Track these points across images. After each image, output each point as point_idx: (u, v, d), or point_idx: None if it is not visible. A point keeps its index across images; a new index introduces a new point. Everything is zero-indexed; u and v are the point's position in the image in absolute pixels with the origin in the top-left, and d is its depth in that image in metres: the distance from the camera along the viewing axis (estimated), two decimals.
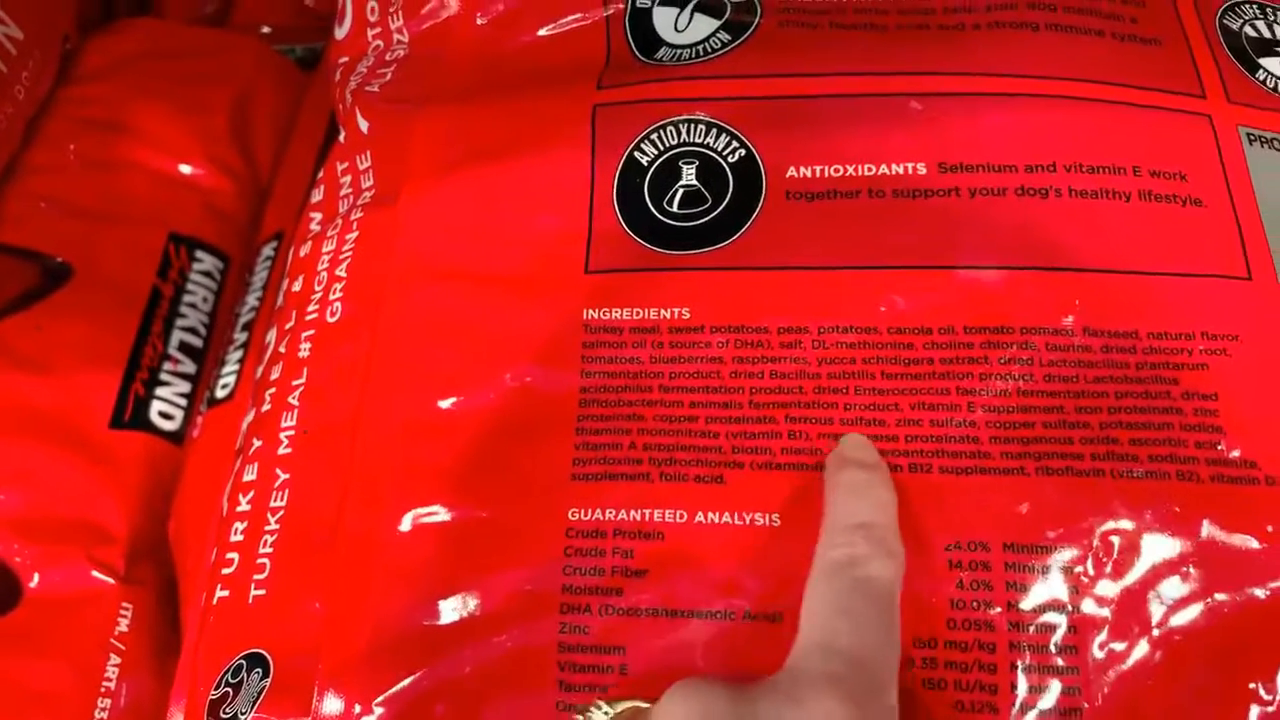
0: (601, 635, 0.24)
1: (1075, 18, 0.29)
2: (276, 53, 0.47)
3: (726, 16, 0.30)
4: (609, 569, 0.24)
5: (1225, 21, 0.30)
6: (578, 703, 0.23)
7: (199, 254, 0.41)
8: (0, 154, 0.39)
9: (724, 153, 0.28)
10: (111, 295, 0.38)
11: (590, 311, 0.27)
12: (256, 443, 0.29)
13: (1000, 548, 0.24)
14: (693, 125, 0.28)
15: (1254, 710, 0.23)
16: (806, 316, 0.26)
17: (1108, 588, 0.23)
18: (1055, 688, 0.23)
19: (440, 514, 0.25)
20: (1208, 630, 0.23)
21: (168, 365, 0.38)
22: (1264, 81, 0.29)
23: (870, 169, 0.27)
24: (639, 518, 0.25)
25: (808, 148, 0.27)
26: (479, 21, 0.32)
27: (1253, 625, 0.23)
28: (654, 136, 0.28)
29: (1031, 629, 0.23)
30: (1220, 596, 0.23)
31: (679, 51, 0.30)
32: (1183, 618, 0.23)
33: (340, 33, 0.35)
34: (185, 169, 0.42)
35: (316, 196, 0.34)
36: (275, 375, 0.30)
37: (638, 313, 0.26)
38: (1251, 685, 0.23)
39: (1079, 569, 0.23)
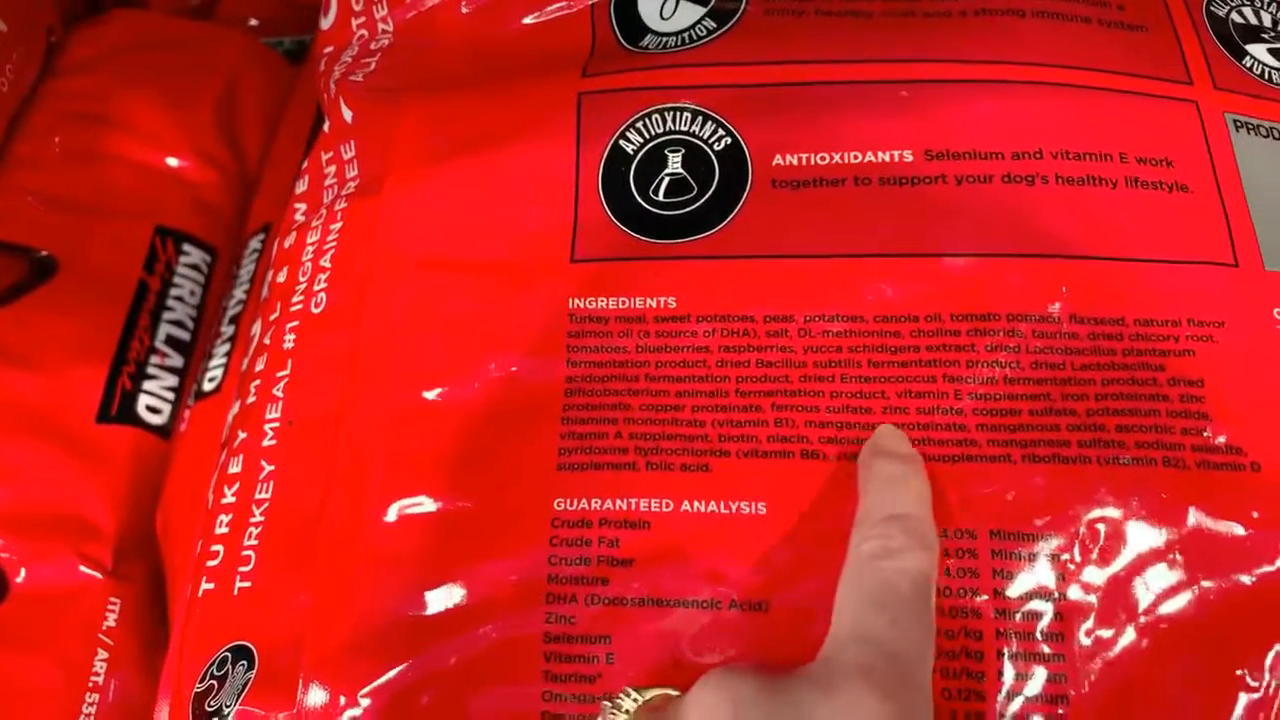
0: (588, 625, 0.24)
1: (1062, 4, 0.29)
2: (263, 45, 0.47)
3: (712, 4, 0.30)
4: (595, 559, 0.24)
5: (1212, 8, 0.30)
6: (562, 692, 0.23)
7: (186, 247, 0.41)
8: None
9: (710, 141, 0.28)
10: (98, 289, 0.38)
11: (576, 301, 0.27)
12: (241, 435, 0.29)
13: (987, 535, 0.24)
14: (678, 113, 0.28)
15: (1240, 696, 0.23)
16: (793, 305, 0.26)
17: (1094, 575, 0.23)
18: (1041, 675, 0.23)
19: (425, 504, 0.25)
20: (1194, 617, 0.23)
21: (155, 359, 0.38)
22: (1250, 68, 0.29)
23: (856, 156, 0.27)
24: (625, 507, 0.24)
25: (794, 136, 0.27)
26: (463, 10, 0.32)
27: (1239, 611, 0.23)
28: (639, 125, 0.28)
29: (1018, 616, 0.23)
30: (1206, 583, 0.23)
31: (664, 39, 0.30)
32: (1169, 605, 0.23)
33: (325, 22, 0.35)
34: (172, 162, 0.42)
35: (301, 187, 0.33)
36: (260, 367, 0.30)
37: (623, 302, 0.26)
38: (1238, 671, 0.23)
39: (1065, 556, 0.23)
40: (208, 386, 0.37)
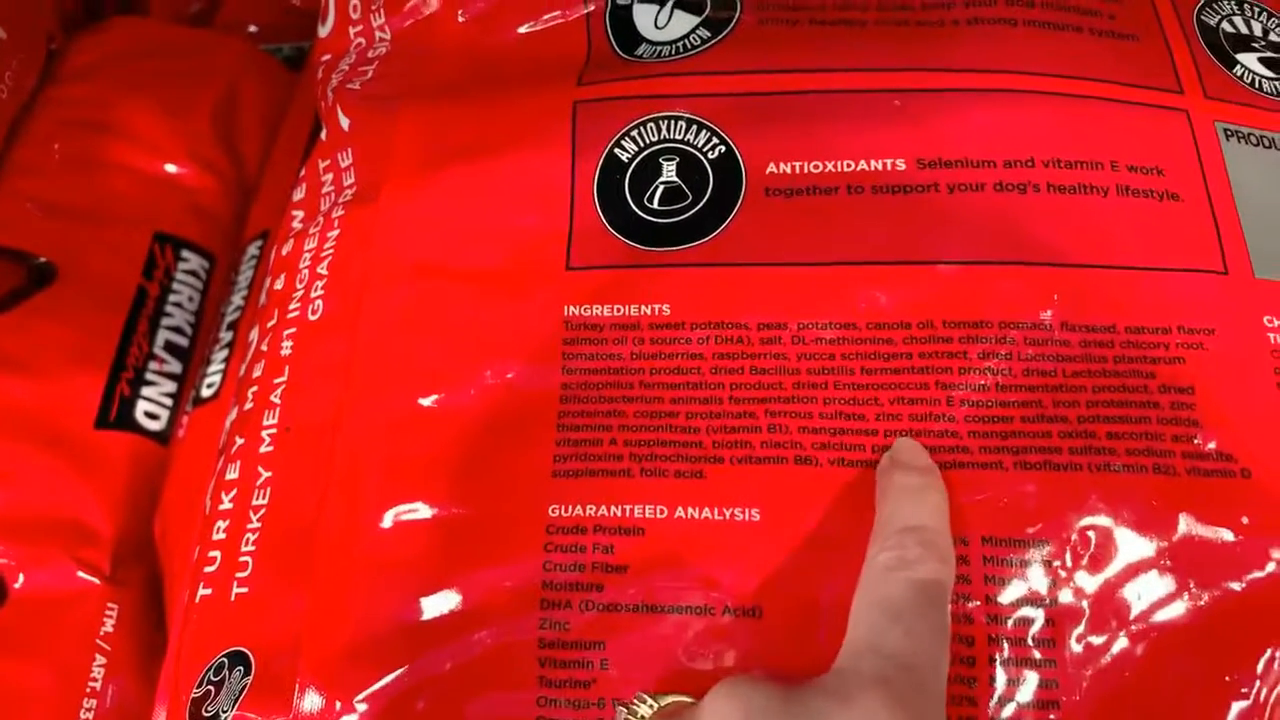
0: (582, 631, 0.24)
1: (1054, 14, 0.29)
2: (262, 52, 0.47)
3: (706, 13, 0.30)
4: (589, 565, 0.24)
5: (1203, 17, 0.30)
6: (556, 698, 0.23)
7: (185, 253, 0.41)
8: None
9: (704, 149, 0.28)
10: (97, 295, 0.38)
11: (571, 308, 0.27)
12: (239, 441, 0.29)
13: (979, 541, 0.24)
14: (673, 122, 0.28)
15: (1232, 703, 0.23)
16: (786, 312, 0.26)
17: (1085, 581, 0.23)
18: (1033, 681, 0.23)
19: (421, 511, 0.25)
20: (1185, 623, 0.23)
21: (153, 365, 0.38)
22: (1241, 77, 0.29)
23: (849, 165, 0.27)
24: (619, 514, 0.25)
25: (787, 144, 0.28)
26: (460, 19, 0.32)
27: (1230, 617, 0.23)
28: (634, 133, 0.28)
29: (1009, 622, 0.23)
30: (1197, 589, 0.23)
31: (659, 48, 0.30)
32: (1160, 611, 0.23)
33: (323, 30, 0.35)
34: (171, 168, 0.42)
35: (299, 194, 0.34)
36: (257, 373, 0.30)
37: (618, 309, 0.27)
38: (1229, 677, 0.23)
39: (1057, 563, 0.24)
40: (206, 392, 0.37)
